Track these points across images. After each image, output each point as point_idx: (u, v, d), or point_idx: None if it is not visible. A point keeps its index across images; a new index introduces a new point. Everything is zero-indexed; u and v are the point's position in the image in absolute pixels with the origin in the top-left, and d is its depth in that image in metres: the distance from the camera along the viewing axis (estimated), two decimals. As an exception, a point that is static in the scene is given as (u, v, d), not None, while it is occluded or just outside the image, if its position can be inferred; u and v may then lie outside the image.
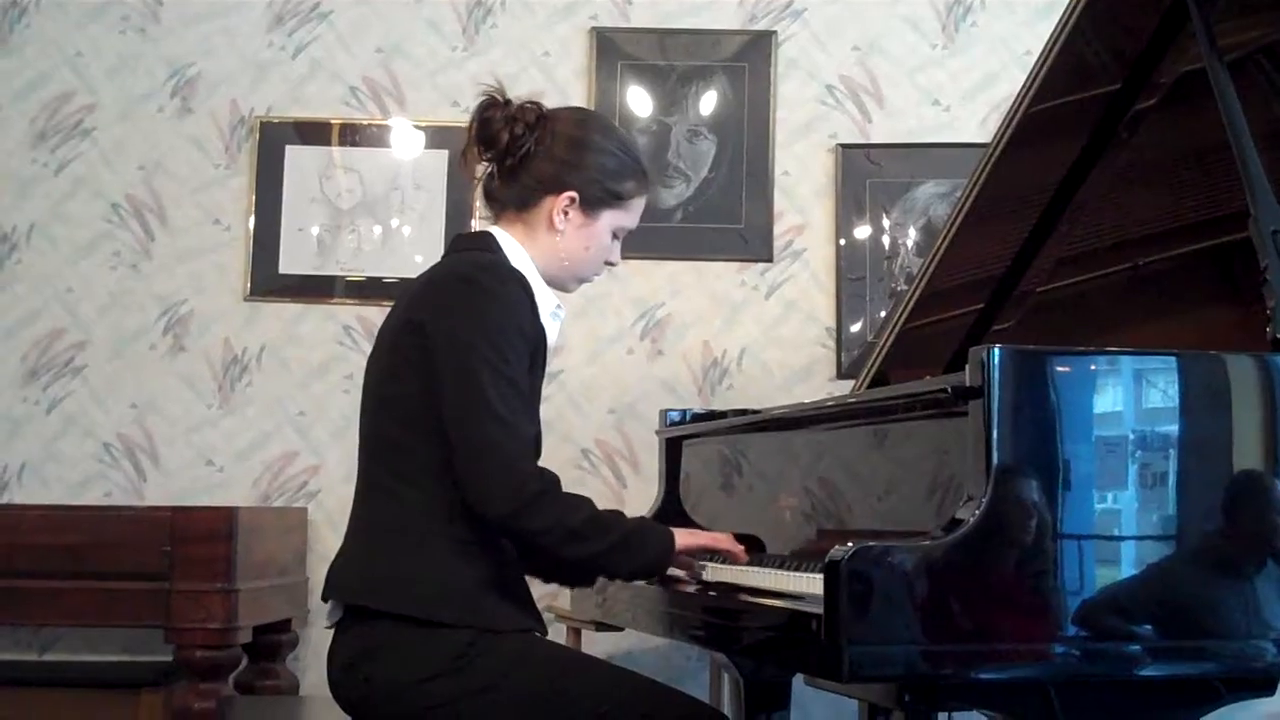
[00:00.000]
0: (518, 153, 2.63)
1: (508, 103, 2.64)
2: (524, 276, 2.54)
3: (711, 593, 2.66)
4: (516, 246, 2.63)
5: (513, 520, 2.39)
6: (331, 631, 2.54)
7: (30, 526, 3.93)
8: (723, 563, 2.70)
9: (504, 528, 2.42)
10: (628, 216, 2.72)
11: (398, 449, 2.51)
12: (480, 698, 2.37)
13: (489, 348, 2.41)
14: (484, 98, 2.65)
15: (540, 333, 2.54)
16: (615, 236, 2.73)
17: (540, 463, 2.50)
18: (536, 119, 2.64)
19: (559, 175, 2.63)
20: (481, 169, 2.71)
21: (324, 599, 2.57)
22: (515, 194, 2.66)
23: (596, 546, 2.44)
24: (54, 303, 4.62)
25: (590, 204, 2.65)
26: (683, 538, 2.60)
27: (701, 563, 2.72)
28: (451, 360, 2.42)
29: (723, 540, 2.72)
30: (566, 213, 2.64)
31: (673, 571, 2.73)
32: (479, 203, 2.75)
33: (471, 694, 2.37)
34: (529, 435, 2.47)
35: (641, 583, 2.90)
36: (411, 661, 2.39)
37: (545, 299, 2.61)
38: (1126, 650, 2.12)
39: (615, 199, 2.68)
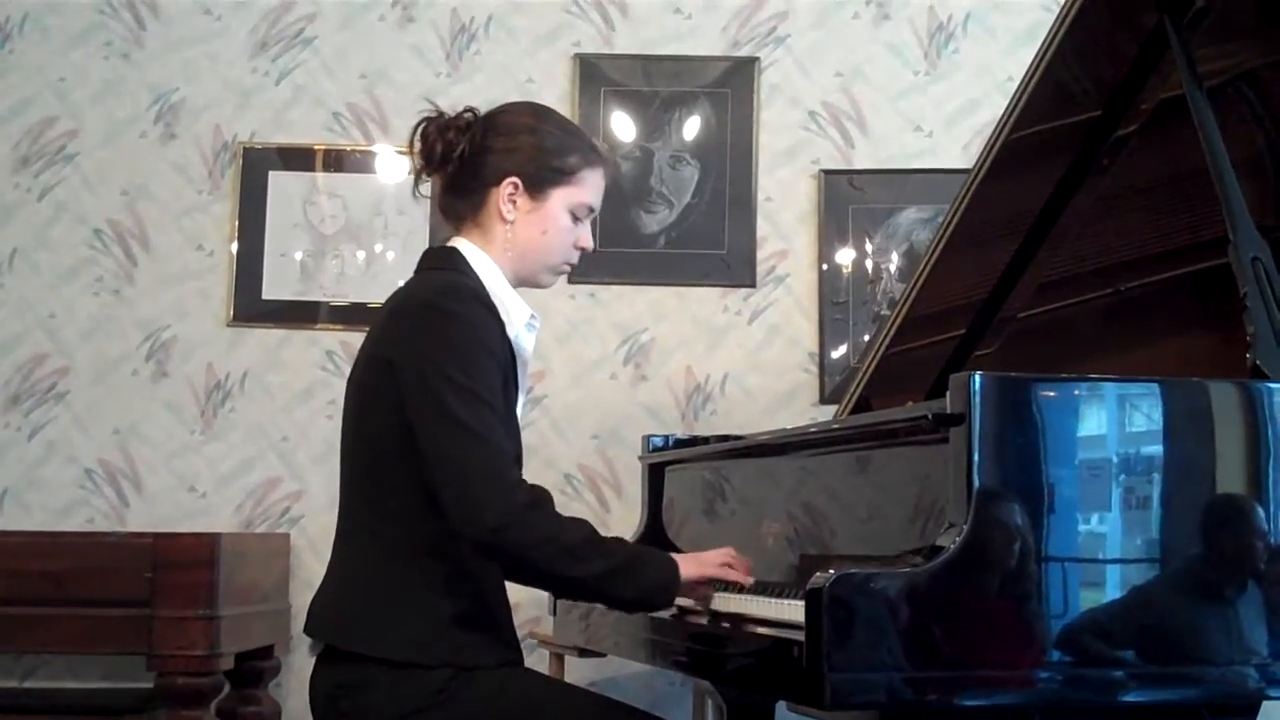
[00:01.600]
0: (454, 156, 2.59)
1: (440, 114, 2.62)
2: (487, 296, 2.51)
3: (694, 619, 2.65)
4: (479, 254, 2.59)
5: (502, 534, 2.30)
6: (314, 659, 2.53)
7: (12, 553, 3.91)
8: (735, 591, 2.64)
9: (493, 544, 2.32)
10: (582, 192, 2.64)
11: (374, 484, 2.48)
12: (460, 733, 2.36)
13: (453, 368, 2.37)
14: (421, 121, 2.63)
15: (510, 352, 2.51)
16: (577, 218, 2.65)
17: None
18: (469, 123, 2.61)
19: (498, 165, 2.59)
20: (435, 189, 2.68)
21: (305, 632, 2.56)
22: (465, 201, 2.62)
23: (593, 568, 2.36)
24: (36, 328, 4.61)
25: (534, 185, 2.59)
26: (687, 567, 2.51)
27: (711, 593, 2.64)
28: (417, 386, 2.38)
29: (730, 568, 2.61)
30: (514, 200, 2.58)
31: (681, 602, 2.68)
32: (442, 221, 2.72)
33: (451, 728, 2.36)
34: (508, 450, 2.41)
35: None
36: (390, 700, 2.36)
37: (518, 311, 2.57)
38: (1110, 676, 2.12)
39: (560, 175, 2.60)
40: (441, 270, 2.58)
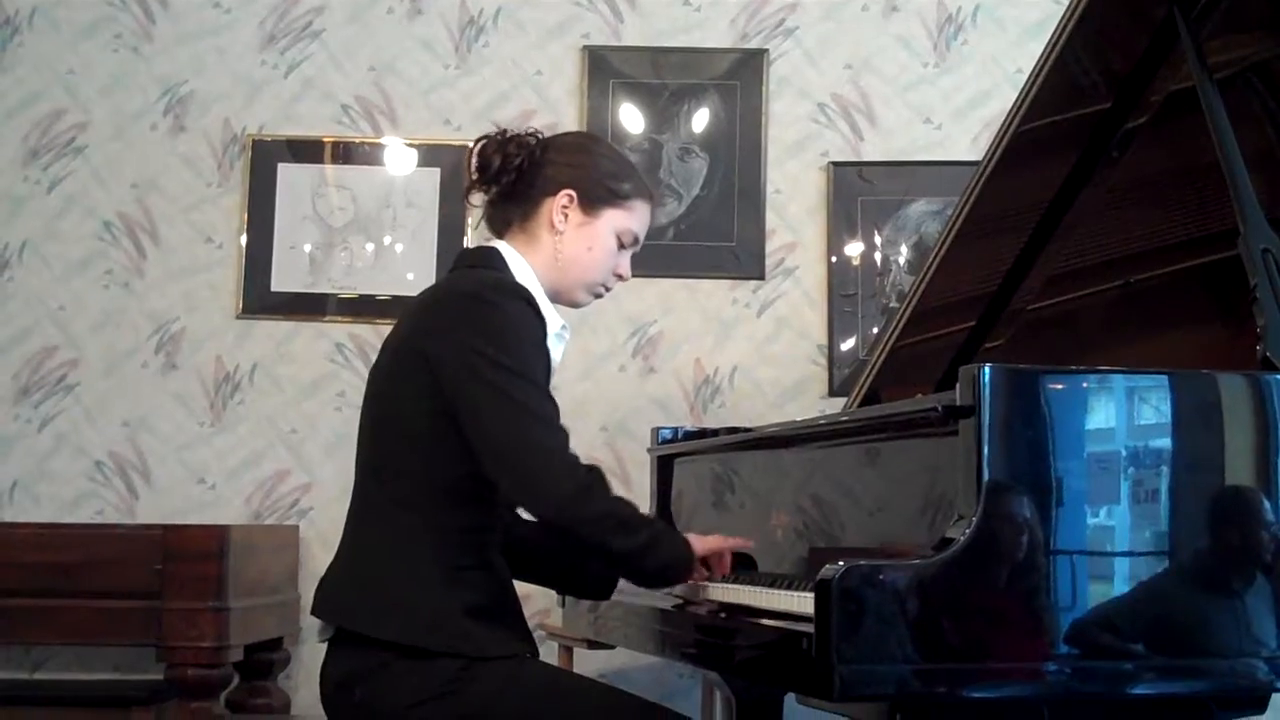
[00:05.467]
0: (512, 168, 2.63)
1: (503, 132, 2.67)
2: (529, 294, 2.53)
3: (703, 611, 2.65)
4: (520, 261, 2.62)
5: (572, 506, 2.37)
6: (324, 647, 2.53)
7: (22, 544, 3.92)
8: (743, 583, 2.67)
9: (561, 515, 2.39)
10: (630, 219, 2.69)
11: (392, 472, 2.50)
12: (471, 723, 2.37)
13: (502, 353, 2.40)
14: (483, 138, 2.68)
15: (547, 352, 2.53)
16: (622, 245, 2.70)
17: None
18: (533, 142, 2.67)
19: (556, 177, 2.64)
20: (482, 200, 2.72)
21: (313, 614, 2.56)
22: (516, 207, 2.66)
23: (639, 540, 2.43)
24: (46, 320, 4.62)
25: (589, 201, 2.64)
26: (698, 544, 2.59)
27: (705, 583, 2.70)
28: (467, 374, 2.40)
29: (730, 541, 2.72)
30: (566, 213, 2.63)
31: (678, 591, 2.73)
32: (484, 228, 2.74)
33: (462, 718, 2.36)
34: (563, 429, 2.45)
35: (634, 600, 2.90)
36: (401, 688, 2.38)
37: (550, 319, 2.59)
38: (1119, 668, 2.12)
39: (614, 197, 2.66)
40: (484, 268, 2.60)
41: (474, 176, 2.67)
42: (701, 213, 4.61)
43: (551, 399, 2.46)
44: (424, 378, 2.44)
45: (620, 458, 4.54)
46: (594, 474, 2.43)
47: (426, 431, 2.44)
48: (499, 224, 2.70)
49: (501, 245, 2.65)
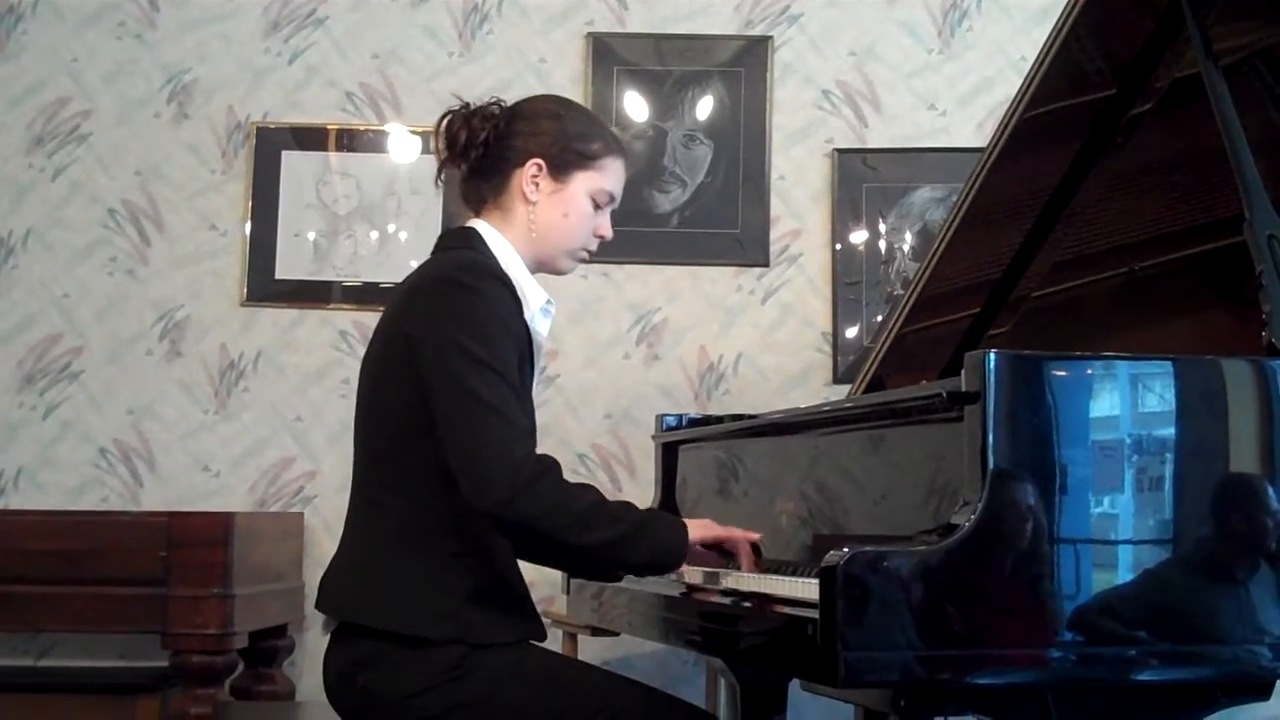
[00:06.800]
0: (478, 142, 2.60)
1: (466, 105, 2.64)
2: (505, 275, 2.52)
3: (707, 598, 2.65)
4: (497, 236, 2.60)
5: (510, 506, 2.30)
6: (327, 637, 2.54)
7: (26, 532, 3.92)
8: (737, 568, 2.64)
9: (502, 516, 2.32)
10: (603, 178, 2.65)
11: (387, 460, 2.49)
12: (474, 709, 2.36)
13: (471, 341, 2.37)
14: (447, 113, 2.65)
15: (525, 331, 2.52)
16: (598, 205, 2.66)
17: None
18: (497, 112, 2.64)
19: (522, 147, 2.61)
20: (457, 176, 2.70)
21: (317, 608, 2.56)
22: (487, 183, 2.64)
23: (603, 534, 2.36)
24: (50, 308, 4.62)
25: (558, 167, 2.61)
26: (696, 530, 2.51)
27: (725, 570, 2.64)
28: (434, 359, 2.38)
29: (737, 533, 2.60)
30: (536, 182, 2.60)
31: (690, 579, 2.71)
32: (461, 204, 2.73)
33: (465, 706, 2.35)
34: (522, 423, 2.40)
35: (639, 587, 2.90)
36: (403, 676, 2.37)
37: (534, 294, 2.58)
38: (1123, 655, 2.12)
39: (583, 159, 2.62)
40: (459, 249, 2.58)
41: (444, 153, 2.64)
42: (706, 200, 4.61)
43: (514, 393, 2.41)
44: (408, 365, 2.43)
45: (625, 445, 4.54)
46: (543, 465, 2.36)
47: (417, 417, 2.42)
48: (474, 201, 2.67)
49: (478, 224, 2.63)
